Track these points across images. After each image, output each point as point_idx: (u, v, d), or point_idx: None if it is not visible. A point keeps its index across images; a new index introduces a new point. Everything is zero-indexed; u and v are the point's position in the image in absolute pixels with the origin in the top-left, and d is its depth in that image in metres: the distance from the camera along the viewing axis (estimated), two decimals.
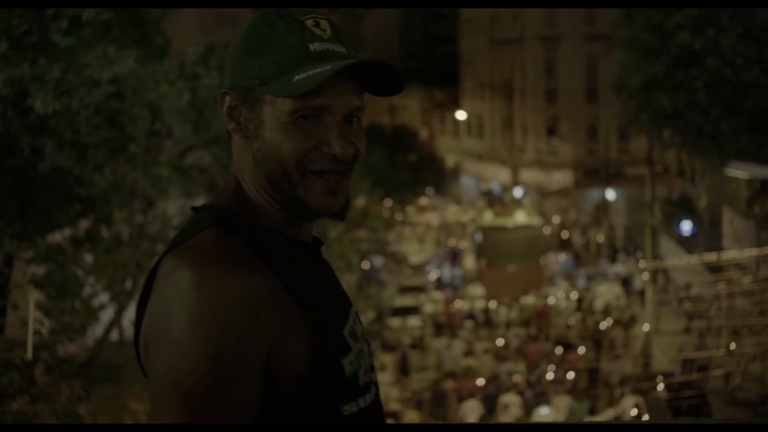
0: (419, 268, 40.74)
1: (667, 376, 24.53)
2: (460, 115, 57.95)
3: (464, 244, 43.57)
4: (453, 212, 53.75)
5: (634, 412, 20.07)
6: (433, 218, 51.63)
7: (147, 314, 1.70)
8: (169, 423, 1.59)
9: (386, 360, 26.11)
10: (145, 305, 1.72)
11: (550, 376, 23.27)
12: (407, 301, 33.01)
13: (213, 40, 14.11)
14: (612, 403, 21.51)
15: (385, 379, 21.64)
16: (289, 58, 1.76)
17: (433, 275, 38.44)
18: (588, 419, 20.51)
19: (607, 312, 30.61)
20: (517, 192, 50.94)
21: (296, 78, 1.73)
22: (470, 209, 52.93)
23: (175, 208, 14.90)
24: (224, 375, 1.59)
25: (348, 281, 24.20)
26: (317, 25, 1.80)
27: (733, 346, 23.35)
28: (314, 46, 1.78)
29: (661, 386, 23.57)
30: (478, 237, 39.15)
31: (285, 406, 1.69)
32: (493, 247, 35.84)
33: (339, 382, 1.76)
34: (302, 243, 1.85)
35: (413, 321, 31.00)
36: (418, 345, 28.55)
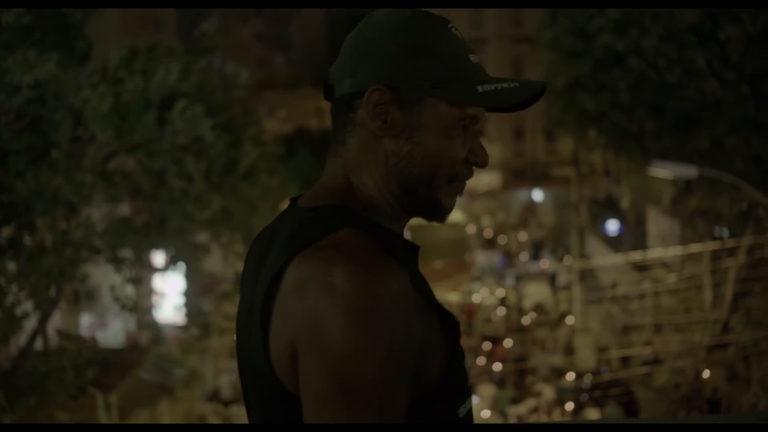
0: None
1: (595, 374, 24.83)
2: None
3: None
4: None
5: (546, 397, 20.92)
6: None
7: (287, 322, 1.59)
8: (353, 417, 1.49)
9: None
10: (270, 314, 1.63)
11: (478, 368, 23.84)
12: None
13: (136, 43, 13.94)
14: (531, 392, 22.54)
15: None
16: (459, 65, 1.75)
17: None
18: (511, 408, 21.18)
19: (538, 311, 30.96)
20: None
21: (481, 89, 1.74)
22: None
23: (99, 215, 14.68)
24: (394, 378, 1.52)
25: None
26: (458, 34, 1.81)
27: (658, 343, 23.68)
28: (473, 58, 1.79)
29: (571, 375, 23.95)
30: (407, 235, 39.68)
31: (416, 409, 1.62)
32: (421, 245, 36.52)
33: (462, 384, 1.72)
34: (411, 244, 1.82)
35: None
36: None
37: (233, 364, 28.12)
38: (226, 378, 26.34)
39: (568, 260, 34.90)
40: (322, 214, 1.68)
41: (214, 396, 25.75)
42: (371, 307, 1.52)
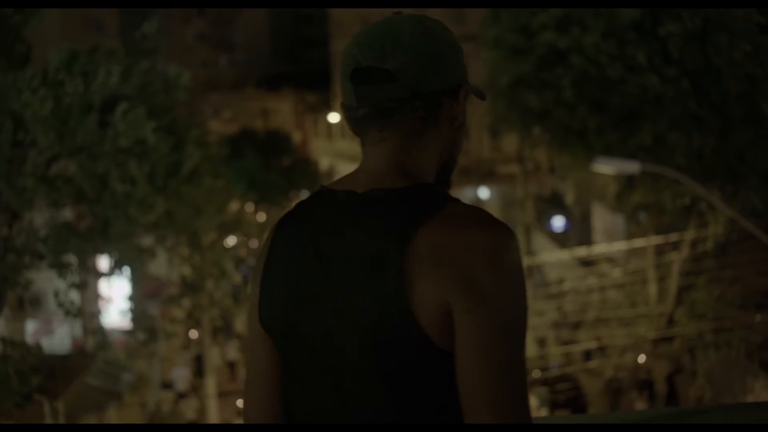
0: None
1: (543, 369, 24.97)
2: (333, 117, 58.04)
3: None
4: None
5: None
6: None
7: (437, 284, 1.72)
8: (515, 362, 1.72)
9: None
10: (405, 278, 1.73)
11: None
12: None
13: (76, 46, 13.77)
14: None
15: None
16: None
17: None
18: None
19: None
20: None
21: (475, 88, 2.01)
22: None
23: (41, 220, 14.50)
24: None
25: (224, 288, 23.93)
26: None
27: (605, 337, 23.88)
28: None
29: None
30: None
31: None
32: None
33: None
34: None
35: None
36: None
37: (186, 356, 28.13)
38: (180, 372, 26.36)
39: None
40: (423, 191, 1.83)
41: (167, 388, 25.93)
42: (516, 263, 1.75)
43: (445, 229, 1.74)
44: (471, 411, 1.71)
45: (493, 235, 1.74)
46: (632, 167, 16.39)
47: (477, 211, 1.79)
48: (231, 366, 29.37)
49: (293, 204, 1.97)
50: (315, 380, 1.83)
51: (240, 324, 31.55)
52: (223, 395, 26.04)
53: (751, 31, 19.00)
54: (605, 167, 16.99)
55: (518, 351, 1.73)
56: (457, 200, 1.81)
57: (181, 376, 26.04)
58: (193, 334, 28.65)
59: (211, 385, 24.19)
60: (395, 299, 1.73)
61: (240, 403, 25.62)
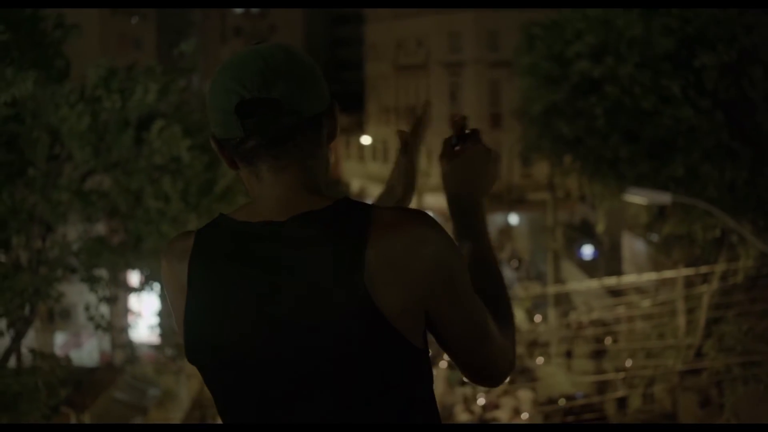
0: None
1: (569, 398, 24.86)
2: (365, 139, 58.16)
3: None
4: None
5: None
6: None
7: (408, 285, 1.84)
8: (477, 307, 1.92)
9: None
10: (366, 287, 1.81)
11: None
12: None
13: (114, 63, 13.92)
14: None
15: None
16: None
17: None
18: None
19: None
20: None
21: None
22: None
23: (74, 233, 14.62)
24: None
25: None
26: None
27: (632, 368, 23.74)
28: None
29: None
30: None
31: None
32: None
33: None
34: None
35: None
36: None
37: None
38: None
39: (536, 286, 35.02)
40: (347, 205, 1.87)
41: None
42: (445, 241, 1.84)
43: (387, 236, 1.80)
44: (466, 354, 1.94)
45: (433, 230, 1.83)
46: (664, 198, 16.34)
47: (398, 211, 1.87)
48: None
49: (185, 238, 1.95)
50: (270, 400, 1.85)
51: None
52: None
53: None
54: (637, 197, 16.93)
55: (474, 297, 1.90)
56: (374, 206, 1.90)
57: None
58: None
59: None
60: (362, 307, 1.78)
61: None
